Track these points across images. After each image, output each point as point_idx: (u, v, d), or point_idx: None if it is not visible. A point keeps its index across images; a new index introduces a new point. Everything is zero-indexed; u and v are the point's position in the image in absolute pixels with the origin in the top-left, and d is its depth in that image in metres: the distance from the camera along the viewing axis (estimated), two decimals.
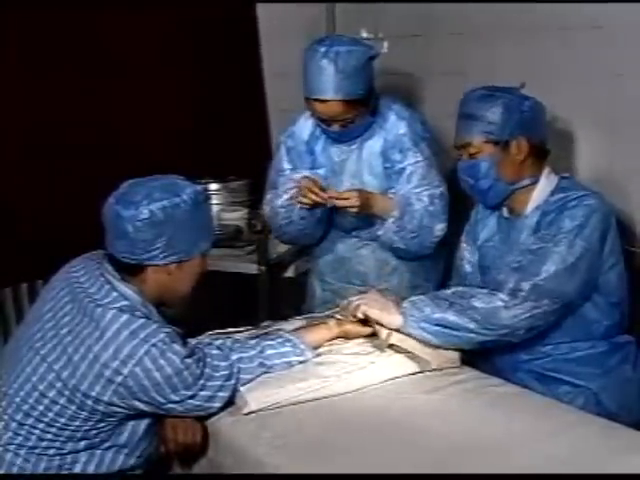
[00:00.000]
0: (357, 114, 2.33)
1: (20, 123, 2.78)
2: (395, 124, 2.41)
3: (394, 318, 2.00)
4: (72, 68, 2.87)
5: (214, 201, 3.06)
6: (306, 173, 2.45)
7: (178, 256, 1.78)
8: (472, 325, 1.95)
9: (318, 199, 2.32)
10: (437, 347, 1.99)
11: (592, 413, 1.89)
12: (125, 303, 1.72)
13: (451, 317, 1.96)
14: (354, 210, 2.32)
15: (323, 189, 2.35)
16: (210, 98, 3.30)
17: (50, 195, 2.85)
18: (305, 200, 2.35)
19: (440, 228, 2.40)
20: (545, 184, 2.07)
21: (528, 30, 2.70)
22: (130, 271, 1.78)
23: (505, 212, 2.17)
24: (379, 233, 2.43)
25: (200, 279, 1.87)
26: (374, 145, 2.43)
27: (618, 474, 1.49)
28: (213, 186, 3.11)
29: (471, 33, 2.91)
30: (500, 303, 1.95)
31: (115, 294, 1.74)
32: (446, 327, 1.96)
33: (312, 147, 2.51)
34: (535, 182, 2.07)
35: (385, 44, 3.28)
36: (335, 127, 2.36)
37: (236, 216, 3.09)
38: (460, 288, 2.09)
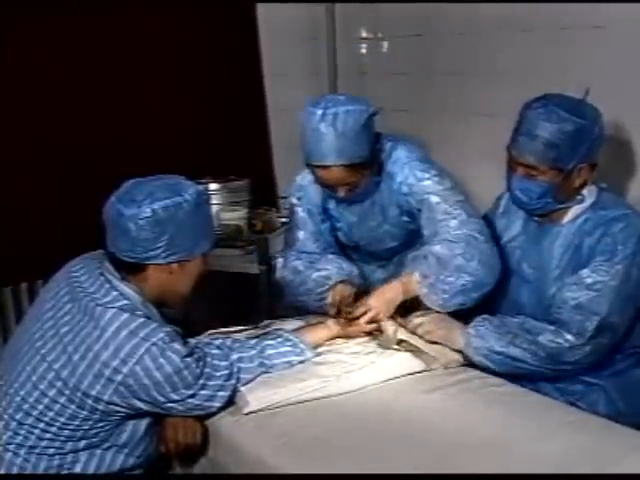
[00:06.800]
0: (361, 177, 2.18)
1: (20, 125, 2.78)
2: (401, 177, 2.24)
3: (456, 341, 2.02)
4: (73, 70, 2.87)
5: (214, 201, 3.05)
6: (339, 278, 2.28)
7: (180, 255, 1.78)
8: (534, 360, 1.95)
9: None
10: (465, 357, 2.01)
11: (602, 411, 1.91)
12: (125, 302, 1.72)
13: (513, 351, 1.96)
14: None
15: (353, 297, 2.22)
16: (210, 98, 3.30)
17: (50, 195, 2.85)
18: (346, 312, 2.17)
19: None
20: (586, 196, 2.03)
21: (528, 30, 2.70)
22: (131, 270, 1.78)
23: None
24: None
25: (200, 280, 1.87)
26: (386, 198, 2.29)
27: (618, 474, 1.49)
28: (213, 186, 3.10)
29: (471, 33, 2.91)
30: (566, 344, 1.93)
31: (115, 293, 1.73)
32: (507, 357, 1.96)
33: (327, 207, 2.39)
34: (581, 202, 2.02)
35: (385, 44, 3.29)
36: (341, 192, 2.21)
37: (236, 216, 3.08)
38: (528, 321, 2.01)
